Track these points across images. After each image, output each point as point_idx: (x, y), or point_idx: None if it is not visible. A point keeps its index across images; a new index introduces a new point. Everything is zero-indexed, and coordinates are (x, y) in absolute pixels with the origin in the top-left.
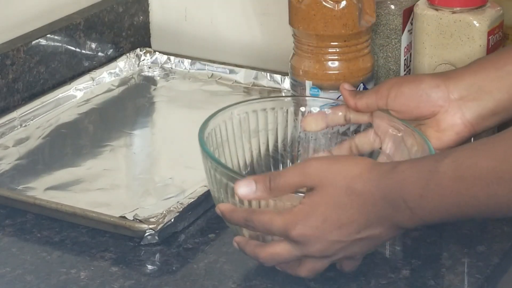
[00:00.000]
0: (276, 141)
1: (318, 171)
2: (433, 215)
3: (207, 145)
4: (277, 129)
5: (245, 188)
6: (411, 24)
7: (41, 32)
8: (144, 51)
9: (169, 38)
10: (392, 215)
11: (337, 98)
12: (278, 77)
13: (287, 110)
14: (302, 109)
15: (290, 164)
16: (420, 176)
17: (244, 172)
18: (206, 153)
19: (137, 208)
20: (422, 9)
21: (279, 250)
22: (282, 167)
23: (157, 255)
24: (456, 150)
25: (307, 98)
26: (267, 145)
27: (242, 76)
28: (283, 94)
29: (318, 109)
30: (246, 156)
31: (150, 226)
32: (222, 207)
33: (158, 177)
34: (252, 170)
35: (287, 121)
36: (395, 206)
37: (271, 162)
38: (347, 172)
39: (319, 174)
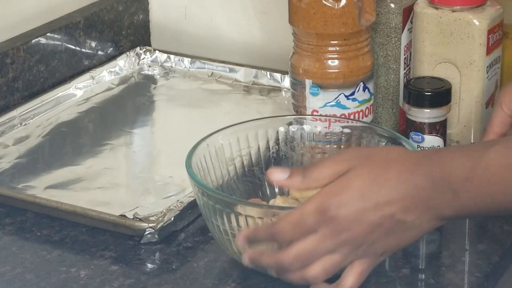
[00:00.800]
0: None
1: (354, 153)
2: (477, 202)
3: (195, 174)
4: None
5: (279, 174)
6: (411, 22)
7: (41, 30)
8: (144, 49)
9: (169, 37)
10: (433, 197)
11: (336, 97)
12: (278, 75)
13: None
14: (281, 129)
15: (267, 184)
16: (467, 159)
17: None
18: (194, 180)
19: (137, 207)
20: (422, 8)
21: (307, 244)
22: (260, 189)
23: (157, 254)
24: (507, 139)
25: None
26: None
27: (242, 74)
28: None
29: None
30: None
31: (150, 225)
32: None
33: (158, 176)
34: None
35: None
36: (437, 187)
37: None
38: (385, 153)
39: (355, 156)
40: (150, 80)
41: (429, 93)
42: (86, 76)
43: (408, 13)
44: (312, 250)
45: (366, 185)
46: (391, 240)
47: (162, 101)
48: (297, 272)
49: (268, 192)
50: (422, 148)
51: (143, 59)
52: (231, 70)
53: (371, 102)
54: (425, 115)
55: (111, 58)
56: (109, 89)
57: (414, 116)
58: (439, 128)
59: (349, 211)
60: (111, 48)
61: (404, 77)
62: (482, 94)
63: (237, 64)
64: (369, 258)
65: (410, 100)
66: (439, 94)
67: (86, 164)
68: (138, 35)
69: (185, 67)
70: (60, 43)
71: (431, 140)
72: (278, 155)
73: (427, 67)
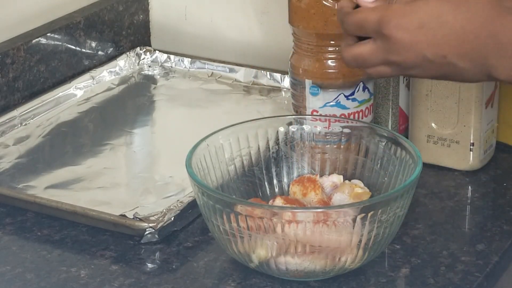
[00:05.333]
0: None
1: None
2: None
3: (195, 174)
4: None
5: None
6: None
7: (41, 31)
8: (144, 49)
9: (169, 37)
10: (492, 57)
11: (336, 97)
12: (278, 75)
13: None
14: (281, 129)
15: (267, 184)
16: None
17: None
18: (194, 180)
19: (137, 207)
20: None
21: (363, 50)
22: (260, 189)
23: (157, 254)
24: None
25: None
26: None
27: (242, 74)
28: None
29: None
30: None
31: (150, 225)
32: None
33: (158, 176)
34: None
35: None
36: (500, 50)
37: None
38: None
39: None
40: (150, 80)
41: None
42: (86, 76)
43: None
44: (366, 57)
45: (429, 17)
46: (437, 75)
47: (162, 101)
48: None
49: (268, 192)
50: None
51: (143, 59)
52: (231, 70)
53: (371, 102)
54: None
55: (111, 58)
56: (109, 89)
57: None
58: None
59: (404, 37)
60: (111, 48)
61: (403, 77)
62: (482, 94)
63: (237, 64)
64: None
65: None
66: None
67: (86, 164)
68: (138, 35)
69: (185, 67)
70: (60, 43)
71: None
72: (278, 155)
73: None
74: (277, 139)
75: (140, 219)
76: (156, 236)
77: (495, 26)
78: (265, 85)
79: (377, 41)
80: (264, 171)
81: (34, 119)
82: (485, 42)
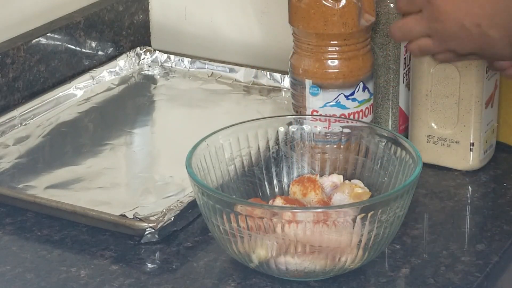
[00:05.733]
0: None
1: None
2: None
3: (195, 174)
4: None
5: None
6: None
7: (41, 31)
8: (144, 49)
9: (169, 37)
10: None
11: (336, 97)
12: (278, 75)
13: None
14: (281, 129)
15: (267, 184)
16: None
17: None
18: (194, 180)
19: (137, 207)
20: None
21: (410, 20)
22: (260, 189)
23: (157, 254)
24: None
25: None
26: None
27: (242, 74)
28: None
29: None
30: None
31: (150, 225)
32: None
33: (158, 176)
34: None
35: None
36: None
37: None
38: None
39: None
40: (150, 80)
41: None
42: (86, 76)
43: None
44: (411, 26)
45: None
46: (476, 47)
47: (162, 101)
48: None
49: (268, 192)
50: None
51: (143, 59)
52: (231, 70)
53: (371, 102)
54: None
55: (111, 58)
56: (109, 89)
57: None
58: None
59: (447, 5)
60: (111, 48)
61: (403, 77)
62: (482, 94)
63: (237, 64)
64: (456, 54)
65: None
66: None
67: (86, 164)
68: (138, 35)
69: (185, 67)
70: (60, 43)
71: None
72: (278, 155)
73: (426, 67)
74: (277, 139)
75: (140, 219)
76: (156, 236)
77: None
78: (265, 85)
79: (424, 12)
80: (264, 171)
81: (34, 119)
82: None
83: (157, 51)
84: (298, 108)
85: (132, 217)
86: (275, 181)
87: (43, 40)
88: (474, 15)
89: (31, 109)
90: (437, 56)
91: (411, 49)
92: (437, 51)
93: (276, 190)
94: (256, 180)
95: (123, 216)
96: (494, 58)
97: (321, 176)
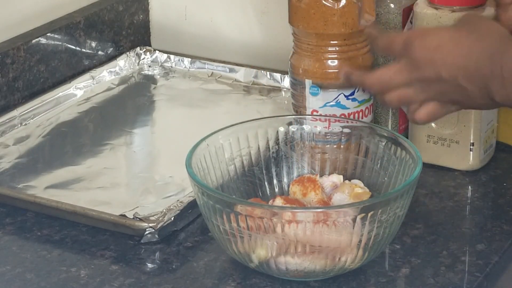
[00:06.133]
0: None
1: (466, 18)
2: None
3: (195, 174)
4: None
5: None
6: (411, 23)
7: (41, 30)
8: (144, 49)
9: (169, 37)
10: (488, 77)
11: (336, 97)
12: (278, 75)
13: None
14: (281, 129)
15: (267, 184)
16: None
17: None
18: (194, 180)
19: (137, 207)
20: (422, 8)
21: (389, 70)
22: (260, 189)
23: (157, 254)
24: None
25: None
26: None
27: (242, 74)
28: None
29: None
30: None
31: (150, 225)
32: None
33: (158, 176)
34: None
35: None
36: (493, 71)
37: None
38: (488, 25)
39: (464, 19)
40: (150, 80)
41: None
42: (86, 76)
43: (408, 13)
44: (391, 77)
45: (446, 40)
46: (455, 97)
47: (162, 101)
48: (378, 95)
49: (268, 192)
50: None
51: (143, 59)
52: (231, 70)
53: (371, 102)
54: None
55: (111, 58)
56: (109, 89)
57: None
58: None
59: (425, 54)
60: (111, 48)
61: None
62: None
63: (237, 64)
64: (439, 104)
65: None
66: None
67: (86, 164)
68: (138, 35)
69: (185, 67)
70: (60, 43)
71: None
72: (278, 155)
73: None
74: (277, 139)
75: (140, 219)
76: (156, 236)
77: (502, 59)
78: (265, 85)
79: (401, 61)
80: (264, 171)
81: (34, 119)
82: (491, 70)
83: (157, 51)
84: (298, 108)
85: (132, 217)
86: (275, 181)
87: (43, 40)
88: (450, 65)
89: (31, 109)
90: (418, 113)
91: (390, 99)
92: (417, 100)
93: (276, 190)
94: (256, 180)
95: (123, 216)
96: (473, 108)
97: (321, 176)
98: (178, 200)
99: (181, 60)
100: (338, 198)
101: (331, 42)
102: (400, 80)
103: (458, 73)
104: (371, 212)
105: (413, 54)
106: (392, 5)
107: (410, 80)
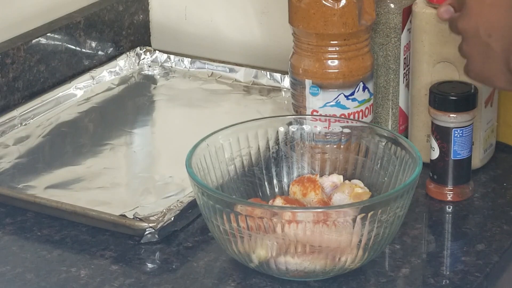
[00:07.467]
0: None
1: None
2: None
3: (195, 174)
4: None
5: None
6: (411, 22)
7: (41, 31)
8: (144, 49)
9: (169, 37)
10: None
11: (336, 97)
12: (278, 75)
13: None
14: (281, 129)
15: (267, 184)
16: None
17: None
18: (194, 180)
19: (137, 207)
20: (421, 8)
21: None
22: (260, 189)
23: (157, 254)
24: None
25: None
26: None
27: (242, 74)
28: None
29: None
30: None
31: (150, 225)
32: None
33: (158, 176)
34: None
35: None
36: None
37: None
38: None
39: None
40: (150, 80)
41: (455, 98)
42: (86, 76)
43: (407, 13)
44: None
45: (501, 2)
46: (475, 53)
47: (162, 101)
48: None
49: (268, 192)
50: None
51: (143, 59)
52: (231, 70)
53: (371, 102)
54: (451, 119)
55: (111, 58)
56: (109, 89)
57: (439, 120)
58: None
59: (475, 7)
60: (111, 48)
61: (403, 77)
62: (481, 93)
63: (237, 64)
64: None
65: (435, 105)
66: (465, 99)
67: (86, 164)
68: (138, 35)
69: (185, 67)
70: (60, 43)
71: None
72: (278, 155)
73: (426, 67)
74: (277, 139)
75: (140, 219)
76: (156, 236)
77: None
78: (265, 85)
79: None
80: (264, 171)
81: (34, 119)
82: None
83: (157, 51)
84: (298, 108)
85: (132, 217)
86: (275, 181)
87: (43, 40)
88: (489, 23)
89: (31, 109)
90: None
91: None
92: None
93: (276, 190)
94: (256, 180)
95: (123, 216)
96: (481, 76)
97: (321, 176)
98: (178, 200)
99: (181, 60)
100: (338, 198)
101: (331, 42)
102: (453, 19)
103: (493, 32)
104: (371, 212)
105: (468, 3)
106: (392, 5)
107: (457, 26)
